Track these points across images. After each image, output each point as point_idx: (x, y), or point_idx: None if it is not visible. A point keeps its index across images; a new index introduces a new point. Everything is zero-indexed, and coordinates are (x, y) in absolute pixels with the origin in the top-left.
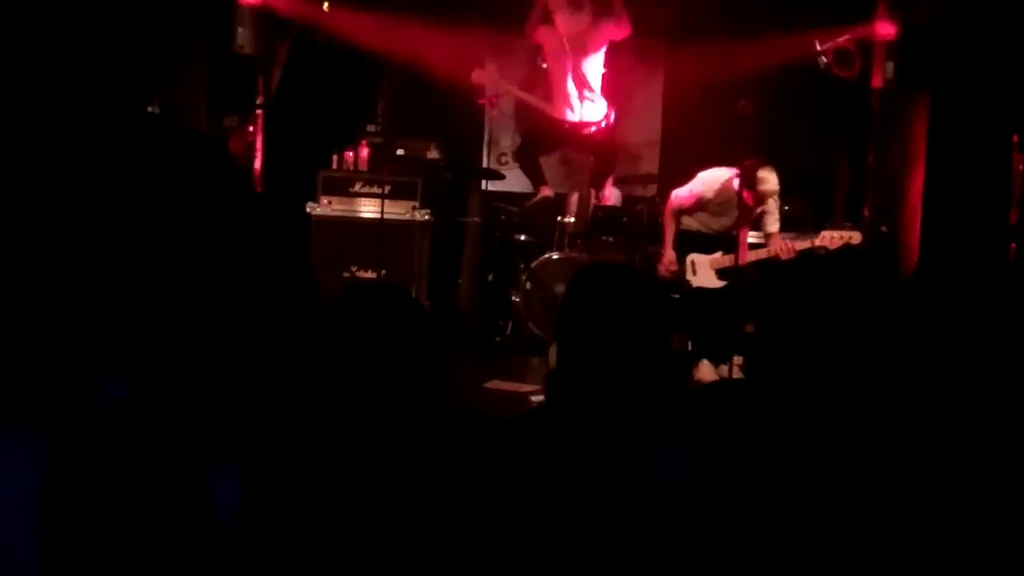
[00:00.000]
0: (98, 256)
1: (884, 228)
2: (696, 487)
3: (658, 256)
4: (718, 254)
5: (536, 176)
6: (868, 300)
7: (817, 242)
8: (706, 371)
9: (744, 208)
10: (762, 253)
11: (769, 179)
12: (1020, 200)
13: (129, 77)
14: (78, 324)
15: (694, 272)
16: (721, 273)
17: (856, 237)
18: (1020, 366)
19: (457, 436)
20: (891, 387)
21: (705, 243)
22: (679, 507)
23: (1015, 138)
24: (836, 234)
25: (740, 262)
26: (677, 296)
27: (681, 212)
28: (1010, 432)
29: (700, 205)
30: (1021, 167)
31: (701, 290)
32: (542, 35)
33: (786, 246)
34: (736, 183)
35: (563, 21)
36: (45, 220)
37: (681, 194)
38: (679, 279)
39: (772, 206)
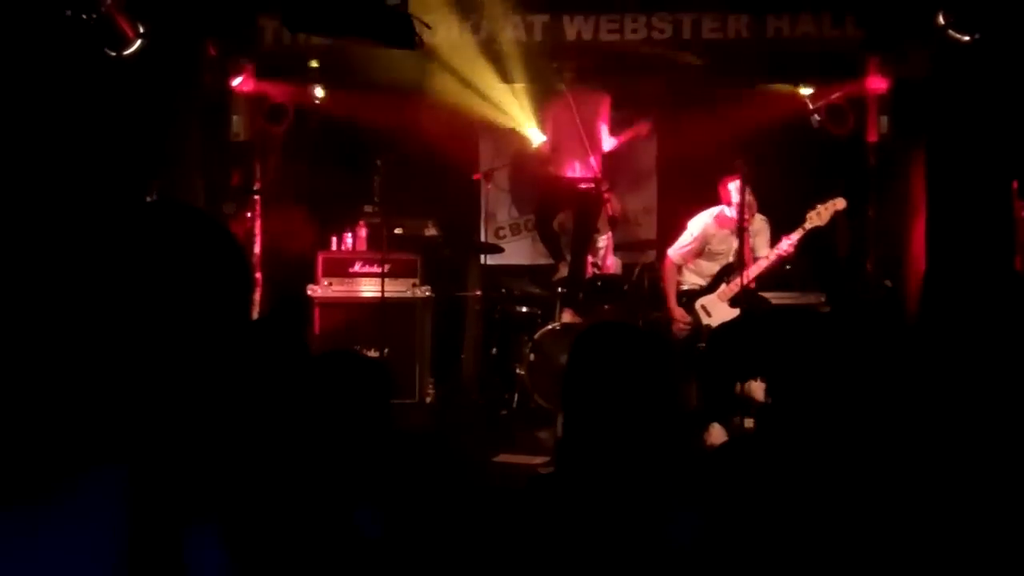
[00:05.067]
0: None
1: (888, 282)
2: (709, 552)
3: (667, 317)
4: (723, 286)
5: (554, 248)
6: (876, 357)
7: (808, 225)
8: (717, 434)
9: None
10: (763, 263)
11: (735, 187)
12: None
13: (126, 167)
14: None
15: (708, 314)
16: (734, 301)
17: (840, 203)
18: None
19: (468, 508)
20: (903, 444)
21: (706, 294)
22: (692, 572)
23: (1015, 184)
24: (821, 208)
25: (748, 281)
26: (703, 344)
27: (682, 263)
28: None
29: (701, 248)
30: (1022, 214)
31: (723, 326)
32: (555, 106)
33: (786, 247)
34: (727, 211)
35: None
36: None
37: (680, 246)
38: (697, 329)
39: (761, 226)
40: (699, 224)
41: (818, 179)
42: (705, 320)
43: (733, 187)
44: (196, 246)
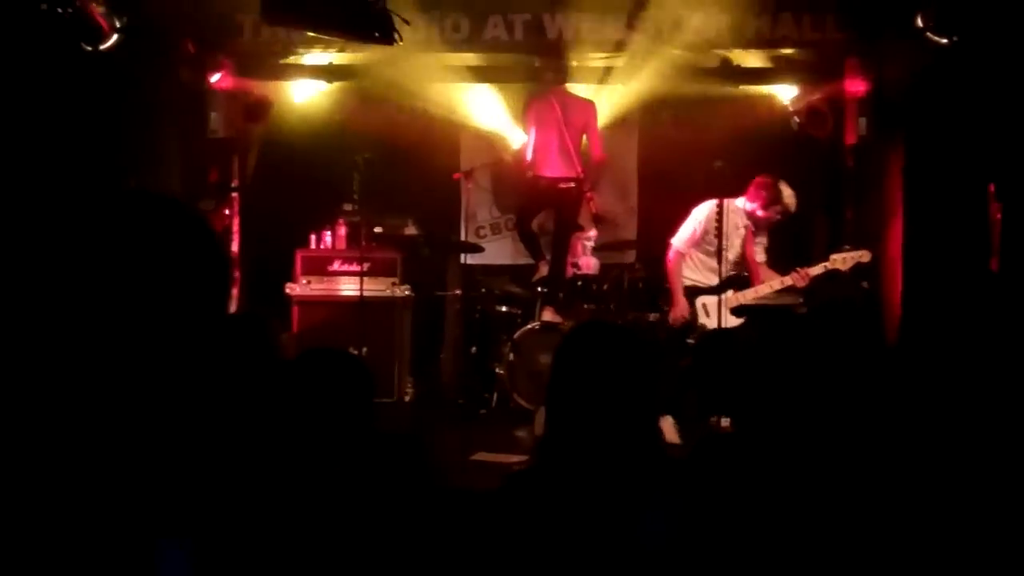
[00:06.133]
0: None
1: (865, 284)
2: (681, 550)
3: (646, 319)
4: (729, 293)
5: (533, 248)
6: (853, 359)
7: (830, 265)
8: (667, 429)
9: (759, 223)
10: (776, 284)
11: (789, 193)
12: (1000, 249)
13: (102, 163)
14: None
15: (707, 315)
16: (737, 311)
17: (866, 256)
18: (1008, 419)
19: (442, 510)
20: (879, 446)
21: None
22: (664, 570)
23: (992, 187)
24: (847, 255)
25: (757, 294)
26: (692, 341)
27: (685, 252)
28: (1002, 490)
29: (701, 238)
30: (999, 216)
31: (718, 331)
32: (537, 105)
33: (800, 274)
34: (732, 203)
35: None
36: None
37: (683, 235)
38: (691, 325)
39: (761, 235)
40: (703, 212)
41: (797, 181)
42: (702, 319)
43: (784, 189)
44: (172, 237)
